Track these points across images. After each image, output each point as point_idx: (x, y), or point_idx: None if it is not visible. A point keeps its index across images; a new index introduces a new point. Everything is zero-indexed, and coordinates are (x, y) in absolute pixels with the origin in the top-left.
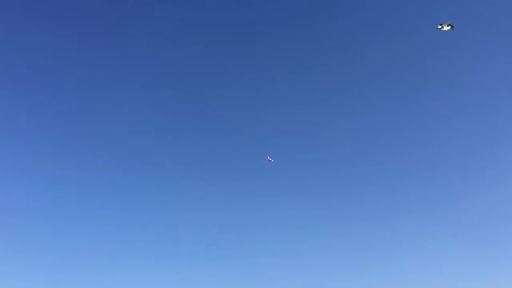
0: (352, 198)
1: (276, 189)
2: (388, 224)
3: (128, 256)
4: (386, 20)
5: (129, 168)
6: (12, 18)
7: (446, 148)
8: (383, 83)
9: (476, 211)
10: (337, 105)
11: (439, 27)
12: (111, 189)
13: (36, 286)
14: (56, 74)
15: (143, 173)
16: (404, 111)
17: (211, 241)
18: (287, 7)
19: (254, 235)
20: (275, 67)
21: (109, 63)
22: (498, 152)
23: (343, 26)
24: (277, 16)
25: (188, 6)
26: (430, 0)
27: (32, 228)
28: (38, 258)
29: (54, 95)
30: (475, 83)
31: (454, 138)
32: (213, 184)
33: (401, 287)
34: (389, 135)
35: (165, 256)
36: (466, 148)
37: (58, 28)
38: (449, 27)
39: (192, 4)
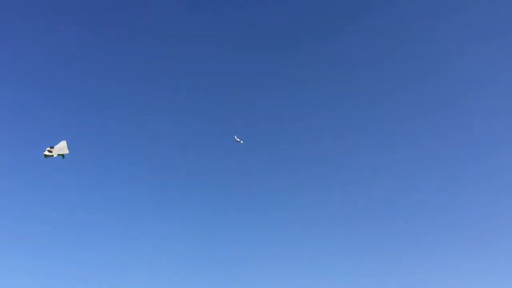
0: (353, 200)
1: (277, 189)
2: (389, 228)
3: (128, 258)
4: (396, 29)
5: (130, 169)
6: (12, 14)
7: (448, 151)
8: (386, 86)
9: (479, 215)
10: (341, 112)
11: None
12: (111, 190)
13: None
14: (60, 72)
15: (144, 174)
16: (407, 113)
17: (212, 243)
18: (295, 13)
19: (256, 237)
20: (281, 70)
21: (113, 63)
22: (501, 155)
23: (345, 30)
24: (282, 21)
25: (196, 5)
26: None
27: (31, 229)
28: (37, 258)
29: (55, 94)
30: (477, 84)
31: (456, 141)
32: (216, 186)
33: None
34: (390, 136)
35: (165, 258)
36: (469, 151)
37: (59, 26)
38: None
39: (201, 3)
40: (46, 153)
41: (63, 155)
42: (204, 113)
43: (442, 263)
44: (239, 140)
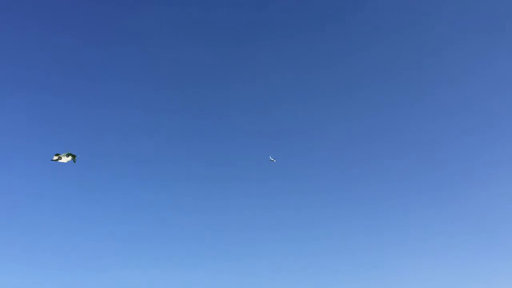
0: (354, 198)
1: (277, 189)
2: (390, 224)
3: (129, 254)
4: (387, 22)
5: (130, 167)
6: (11, 17)
7: (447, 148)
8: (385, 84)
9: (476, 211)
10: (339, 106)
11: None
12: (111, 188)
13: (36, 284)
14: (56, 74)
15: (144, 172)
16: (406, 113)
17: (212, 241)
18: (289, 8)
19: (256, 235)
20: (278, 67)
21: (110, 63)
22: (498, 152)
23: (345, 28)
24: (280, 17)
25: (189, 7)
26: (428, 2)
27: (32, 227)
28: (38, 256)
29: (54, 95)
30: (474, 83)
31: (454, 139)
32: (216, 184)
33: (402, 286)
34: (391, 136)
35: (166, 255)
36: (466, 149)
37: (58, 27)
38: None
39: (194, 4)
40: (54, 158)
41: (74, 159)
42: (202, 108)
43: (445, 263)
44: (272, 159)
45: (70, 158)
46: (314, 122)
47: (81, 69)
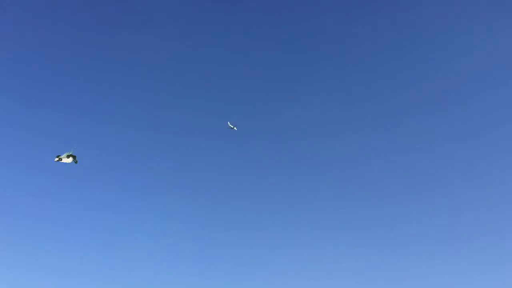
0: (353, 198)
1: (277, 186)
2: (390, 223)
3: (127, 257)
4: (390, 27)
5: (130, 168)
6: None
7: (446, 148)
8: (382, 82)
9: (476, 211)
10: (337, 112)
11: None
12: (110, 190)
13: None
14: (57, 69)
15: (143, 173)
16: (404, 110)
17: (211, 242)
18: (291, 5)
19: (255, 237)
20: (278, 67)
21: (111, 58)
22: (498, 152)
23: (345, 27)
24: (279, 14)
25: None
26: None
27: (29, 229)
28: (36, 259)
29: (54, 90)
30: (473, 83)
31: (454, 139)
32: (215, 188)
33: (402, 285)
34: (391, 135)
35: (164, 257)
36: (466, 149)
37: (58, 21)
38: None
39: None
40: (56, 159)
41: (75, 160)
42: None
43: (447, 266)
44: (232, 126)
45: (71, 159)
46: (320, 128)
47: (79, 62)
